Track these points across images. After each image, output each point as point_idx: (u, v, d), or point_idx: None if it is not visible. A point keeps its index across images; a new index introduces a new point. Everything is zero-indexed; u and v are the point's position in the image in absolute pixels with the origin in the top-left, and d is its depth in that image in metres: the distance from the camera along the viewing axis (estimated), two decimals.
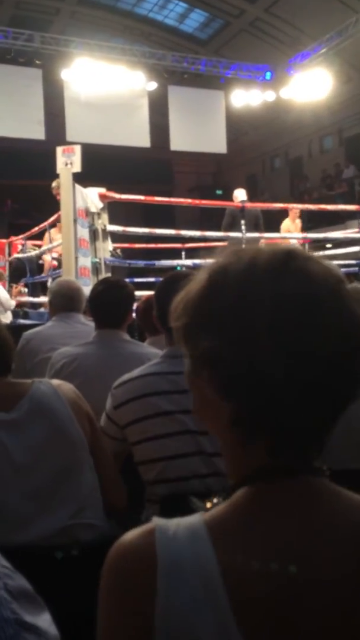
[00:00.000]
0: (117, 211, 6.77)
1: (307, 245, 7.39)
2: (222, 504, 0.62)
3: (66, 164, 5.25)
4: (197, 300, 0.62)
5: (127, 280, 5.77)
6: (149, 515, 1.56)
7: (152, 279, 8.38)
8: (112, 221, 5.72)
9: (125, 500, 1.47)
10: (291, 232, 7.94)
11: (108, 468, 1.43)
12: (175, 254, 8.70)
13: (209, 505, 0.65)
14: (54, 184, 6.37)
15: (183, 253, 8.88)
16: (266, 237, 7.06)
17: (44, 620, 0.54)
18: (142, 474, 1.58)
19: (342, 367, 0.60)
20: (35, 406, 1.26)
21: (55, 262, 7.48)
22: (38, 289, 8.33)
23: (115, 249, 6.52)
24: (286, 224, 8.33)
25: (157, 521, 0.60)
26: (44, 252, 7.23)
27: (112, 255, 6.27)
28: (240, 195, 7.00)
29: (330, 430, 0.62)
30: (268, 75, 13.69)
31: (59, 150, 5.40)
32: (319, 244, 8.59)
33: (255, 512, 0.59)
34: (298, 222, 8.46)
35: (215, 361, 0.60)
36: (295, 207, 8.32)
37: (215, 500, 0.65)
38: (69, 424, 1.29)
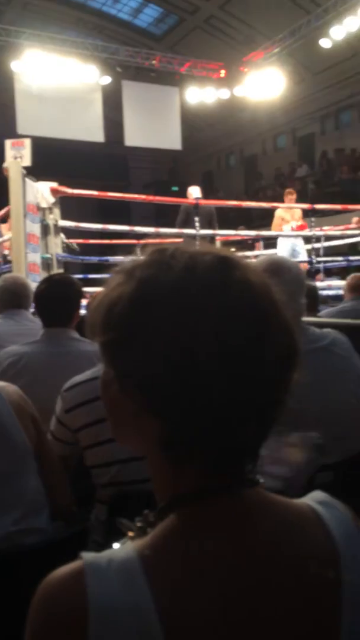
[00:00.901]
0: (72, 206, 6.68)
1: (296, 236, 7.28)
2: (155, 530, 0.57)
3: (15, 158, 5.13)
4: (126, 313, 0.56)
5: (80, 276, 5.73)
6: (99, 516, 1.54)
7: (106, 275, 8.31)
8: (66, 216, 5.63)
9: (72, 502, 1.44)
10: (286, 222, 7.52)
11: (54, 471, 1.39)
12: (130, 250, 8.66)
13: (139, 525, 0.60)
14: (4, 164, 6.22)
15: (138, 249, 8.86)
16: (220, 235, 7.11)
17: None
18: (94, 478, 1.56)
19: (281, 384, 0.58)
20: None
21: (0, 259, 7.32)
22: None
23: (70, 242, 6.43)
24: (280, 213, 7.74)
25: (87, 558, 0.55)
26: None
27: (69, 249, 6.19)
28: (194, 192, 7.03)
29: (263, 444, 0.59)
30: (222, 72, 13.76)
31: (8, 143, 5.27)
32: (273, 241, 8.71)
33: (190, 538, 0.55)
34: (298, 211, 7.76)
35: (148, 382, 0.55)
36: (292, 194, 7.76)
37: (144, 523, 0.60)
38: (12, 428, 1.26)
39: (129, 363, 0.56)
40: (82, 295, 2.32)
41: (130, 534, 0.60)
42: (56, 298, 2.18)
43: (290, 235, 7.20)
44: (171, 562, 0.54)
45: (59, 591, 0.54)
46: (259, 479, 0.59)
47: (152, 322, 0.55)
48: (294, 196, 7.76)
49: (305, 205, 6.93)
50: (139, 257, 0.61)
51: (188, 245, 0.61)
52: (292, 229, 7.34)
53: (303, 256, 7.08)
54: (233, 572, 0.54)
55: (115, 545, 0.60)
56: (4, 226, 6.64)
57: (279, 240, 7.63)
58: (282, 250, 7.30)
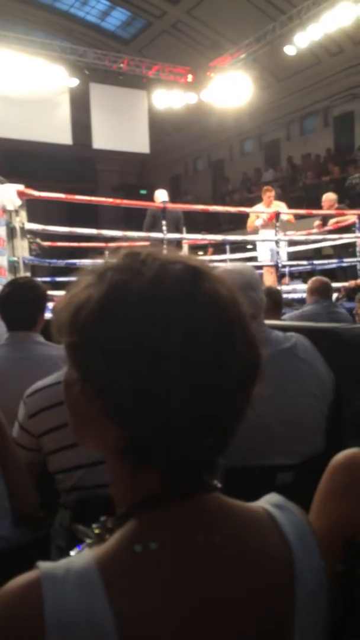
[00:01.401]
0: (38, 209, 6.62)
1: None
2: (113, 537, 0.56)
3: None
4: (92, 317, 0.56)
5: (48, 279, 5.67)
6: (62, 521, 1.53)
7: (74, 278, 8.25)
8: (33, 219, 5.58)
9: (37, 507, 1.42)
10: (262, 219, 7.28)
11: (18, 475, 1.36)
12: (98, 253, 8.61)
13: (97, 531, 0.60)
14: None
15: (106, 252, 8.81)
16: (187, 238, 7.14)
17: None
18: (58, 483, 1.54)
19: (241, 396, 0.58)
20: None
21: None
22: None
23: (34, 243, 6.38)
24: (259, 208, 7.52)
25: (43, 568, 0.53)
26: None
27: (38, 248, 6.11)
28: (161, 196, 7.04)
29: (223, 452, 0.59)
30: (189, 77, 13.84)
31: None
32: (240, 245, 8.80)
33: (148, 545, 0.55)
34: (282, 207, 7.38)
35: (111, 388, 0.54)
36: (270, 191, 7.53)
37: (102, 530, 0.59)
38: None
39: (91, 366, 0.56)
40: (46, 298, 2.30)
41: (88, 540, 0.60)
42: (19, 302, 2.16)
43: (257, 239, 7.25)
44: (129, 570, 0.53)
45: (15, 602, 0.52)
46: (217, 483, 0.59)
47: (117, 327, 0.54)
48: (272, 193, 7.58)
49: (270, 210, 7.02)
50: (110, 259, 0.60)
51: (160, 250, 0.61)
52: (264, 220, 7.21)
53: (283, 257, 7.02)
54: (190, 578, 0.54)
55: (73, 553, 0.59)
56: None
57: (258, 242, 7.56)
58: (262, 251, 7.26)
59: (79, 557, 0.55)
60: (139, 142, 13.81)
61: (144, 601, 0.52)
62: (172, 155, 19.17)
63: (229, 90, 12.97)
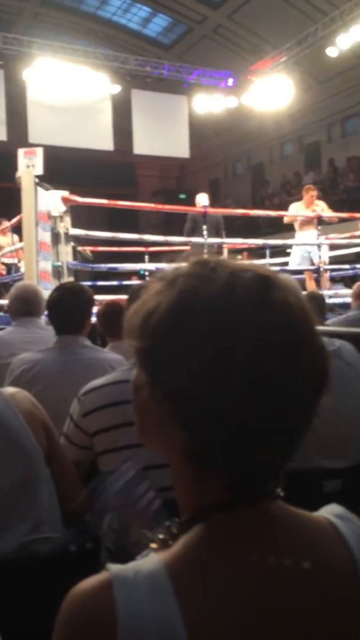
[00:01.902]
0: (80, 214, 6.76)
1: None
2: (180, 541, 0.57)
3: (28, 167, 5.21)
4: (163, 322, 0.56)
5: (89, 283, 5.78)
6: (111, 523, 1.56)
7: (115, 283, 8.38)
8: (75, 224, 5.70)
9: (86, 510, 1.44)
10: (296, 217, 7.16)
11: (68, 477, 1.38)
12: (138, 257, 8.72)
13: (161, 536, 0.60)
14: (17, 174, 6.28)
15: (146, 257, 8.92)
16: (228, 243, 7.15)
17: None
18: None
19: (309, 405, 0.58)
20: None
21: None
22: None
23: (84, 250, 6.51)
24: (295, 207, 7.29)
25: (113, 570, 0.54)
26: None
27: (82, 257, 6.23)
28: (202, 200, 7.06)
29: (288, 460, 0.59)
30: (230, 81, 13.86)
31: (21, 152, 5.35)
32: (279, 249, 8.75)
33: (215, 551, 0.55)
34: (322, 207, 7.15)
35: (180, 392, 0.55)
36: (312, 190, 7.26)
37: (167, 535, 0.60)
38: (23, 436, 1.24)
39: (161, 371, 0.57)
40: (93, 303, 2.36)
41: (153, 545, 0.61)
42: (68, 306, 2.22)
43: (298, 243, 7.18)
44: (196, 574, 0.54)
45: (87, 603, 0.53)
46: (280, 492, 0.60)
47: (188, 334, 0.55)
48: (315, 192, 7.33)
49: (312, 214, 6.96)
50: (179, 266, 0.61)
51: (230, 259, 0.62)
52: (302, 218, 7.00)
53: (315, 259, 6.90)
54: (256, 586, 0.54)
55: (139, 557, 0.60)
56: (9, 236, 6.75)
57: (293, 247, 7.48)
58: (294, 256, 7.18)
59: (148, 560, 0.56)
60: (179, 146, 13.90)
61: (212, 607, 0.52)
62: (212, 159, 19.19)
63: (270, 93, 12.92)
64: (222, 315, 0.55)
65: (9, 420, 1.24)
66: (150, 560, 0.56)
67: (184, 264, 0.61)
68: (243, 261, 0.64)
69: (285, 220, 7.35)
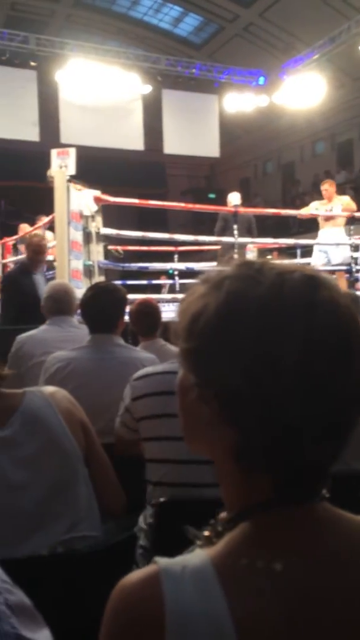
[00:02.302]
0: (110, 214, 6.80)
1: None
2: (226, 539, 0.57)
3: (60, 167, 5.27)
4: (211, 324, 0.57)
5: (119, 282, 5.82)
6: (147, 518, 1.57)
7: (144, 282, 8.42)
8: (106, 224, 5.74)
9: (124, 505, 1.43)
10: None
11: (105, 476, 1.38)
12: (167, 257, 8.74)
13: (207, 533, 0.61)
14: (49, 172, 6.36)
15: (176, 256, 8.93)
16: (258, 242, 7.11)
17: (44, 637, 0.53)
18: (147, 474, 1.60)
19: (358, 405, 0.58)
20: (27, 420, 1.22)
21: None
22: None
23: (115, 249, 6.56)
24: (316, 204, 7.16)
25: (161, 563, 0.55)
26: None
27: (113, 257, 6.27)
28: (234, 199, 7.02)
29: (336, 460, 0.60)
30: (261, 80, 13.78)
31: (54, 152, 5.42)
32: (310, 249, 8.65)
33: (262, 549, 0.55)
34: (342, 202, 6.95)
35: (229, 393, 0.56)
36: (328, 184, 7.10)
37: (211, 532, 0.60)
38: (63, 436, 1.25)
39: (210, 372, 0.57)
40: (125, 302, 2.37)
41: (198, 542, 0.61)
42: (102, 305, 2.24)
43: (321, 243, 7.03)
44: (242, 571, 0.54)
45: (136, 596, 0.54)
46: (326, 493, 0.60)
47: (237, 335, 0.56)
48: (330, 186, 7.01)
49: (345, 213, 6.85)
50: (223, 268, 0.61)
51: (276, 260, 0.62)
52: (315, 214, 6.80)
53: (335, 259, 6.72)
54: (303, 585, 0.54)
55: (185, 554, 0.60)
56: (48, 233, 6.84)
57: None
58: (315, 258, 7.05)
59: (194, 556, 0.56)
60: (209, 146, 13.88)
61: (259, 604, 0.53)
62: (242, 158, 19.09)
63: (302, 91, 12.80)
64: (272, 316, 0.56)
65: (49, 419, 1.24)
66: (197, 556, 0.56)
67: (227, 266, 0.62)
68: (286, 261, 0.63)
69: (299, 216, 7.20)
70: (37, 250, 4.89)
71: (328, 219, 6.90)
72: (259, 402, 0.55)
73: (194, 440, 0.64)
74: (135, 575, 0.56)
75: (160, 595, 0.52)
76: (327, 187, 7.09)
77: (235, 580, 0.54)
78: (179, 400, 0.64)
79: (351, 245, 6.76)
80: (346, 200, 7.13)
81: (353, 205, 7.00)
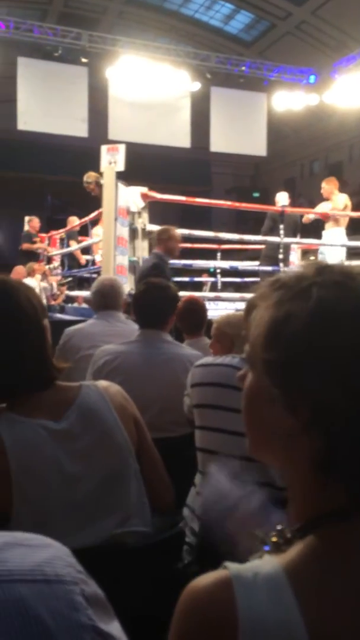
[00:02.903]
0: (154, 211, 6.84)
1: None
2: (298, 547, 0.57)
3: (110, 163, 5.32)
4: (300, 334, 0.56)
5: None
6: (192, 521, 1.58)
7: (186, 279, 8.42)
8: (150, 220, 5.77)
9: (173, 501, 1.43)
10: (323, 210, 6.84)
11: (156, 472, 1.38)
12: (209, 254, 8.71)
13: (274, 539, 0.60)
14: (86, 179, 6.44)
15: (219, 254, 8.90)
16: (304, 243, 7.02)
17: (116, 629, 0.52)
18: (199, 462, 1.62)
19: None
20: (84, 414, 1.23)
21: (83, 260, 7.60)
22: (74, 282, 8.49)
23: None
24: (324, 205, 7.05)
25: (232, 569, 0.55)
26: (87, 247, 7.39)
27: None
28: (282, 199, 6.92)
29: None
30: (312, 78, 13.57)
31: (104, 148, 5.48)
32: (357, 250, 8.48)
33: (338, 560, 0.55)
34: (341, 201, 6.82)
35: (326, 404, 0.55)
36: (325, 182, 6.88)
37: (279, 538, 0.60)
38: (116, 430, 1.25)
39: (303, 384, 0.56)
40: (178, 300, 2.38)
41: (274, 539, 0.61)
42: (154, 301, 2.25)
43: (347, 244, 6.83)
44: (316, 581, 0.54)
45: (209, 598, 0.53)
46: None
47: (335, 345, 0.55)
48: (328, 185, 6.84)
49: (342, 213, 6.70)
50: (299, 273, 0.60)
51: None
52: (308, 220, 6.64)
53: (332, 260, 6.57)
54: None
55: (253, 558, 0.60)
56: (95, 228, 6.93)
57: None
58: (329, 254, 6.74)
59: (265, 563, 0.56)
60: (256, 144, 13.76)
61: (333, 615, 0.52)
62: (288, 158, 18.87)
63: (353, 90, 12.54)
64: None
65: (103, 413, 1.25)
66: (269, 562, 0.56)
67: (300, 270, 0.60)
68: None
69: (304, 220, 6.93)
70: (178, 240, 4.85)
71: (330, 219, 6.72)
72: (354, 412, 0.54)
73: (265, 449, 0.63)
74: (206, 578, 0.55)
75: (233, 600, 0.52)
76: (324, 185, 6.86)
77: (309, 589, 0.53)
78: (249, 410, 0.63)
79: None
80: (341, 199, 6.86)
81: (342, 204, 6.71)
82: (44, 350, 1.25)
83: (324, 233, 6.95)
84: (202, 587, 0.55)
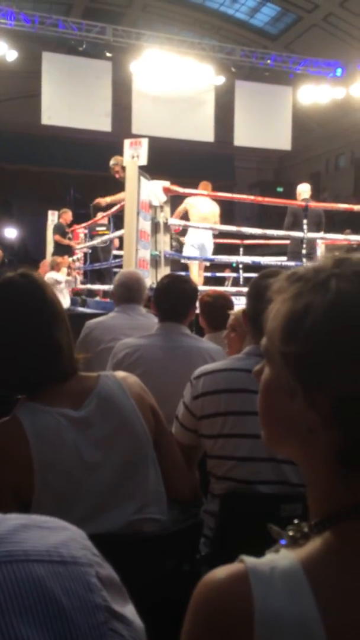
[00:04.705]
0: (176, 205, 6.83)
1: None
2: (315, 542, 0.56)
3: (133, 157, 5.33)
4: (321, 326, 0.55)
5: (183, 274, 5.86)
6: (210, 509, 1.58)
7: (208, 274, 8.40)
8: (172, 214, 5.77)
9: (191, 492, 1.45)
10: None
11: (174, 460, 1.40)
12: (232, 249, 8.69)
13: (291, 533, 0.60)
14: (112, 162, 6.46)
15: (241, 249, 8.86)
16: (328, 238, 6.94)
17: (130, 612, 0.53)
18: (210, 467, 1.60)
19: None
20: (102, 402, 1.25)
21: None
22: (95, 276, 8.53)
23: (177, 235, 6.62)
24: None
25: (248, 562, 0.54)
26: (109, 240, 7.42)
27: (178, 242, 6.28)
28: (304, 191, 6.78)
29: None
30: (339, 71, 13.38)
31: (127, 142, 5.48)
32: None
33: (357, 555, 0.54)
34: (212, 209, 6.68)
35: (346, 395, 0.54)
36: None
37: (296, 532, 0.59)
38: (135, 419, 1.27)
39: (321, 376, 0.56)
40: (197, 294, 2.38)
41: (290, 533, 0.60)
42: (175, 294, 2.25)
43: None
44: (334, 576, 0.53)
45: (225, 590, 0.54)
46: None
47: (353, 336, 0.54)
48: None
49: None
50: (318, 265, 0.60)
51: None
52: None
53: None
54: None
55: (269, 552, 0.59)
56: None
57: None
58: None
59: (282, 557, 0.56)
60: (280, 138, 13.63)
61: (351, 611, 0.52)
62: (313, 152, 18.67)
63: None
64: None
65: (122, 402, 1.27)
66: (286, 557, 0.55)
67: (319, 263, 0.59)
68: None
69: None
70: None
71: None
72: None
73: (283, 443, 0.62)
74: (222, 570, 0.55)
75: (249, 593, 0.52)
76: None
77: (326, 584, 0.53)
78: (267, 405, 0.62)
79: None
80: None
81: None
82: (71, 342, 1.28)
83: None
84: (218, 579, 0.55)
